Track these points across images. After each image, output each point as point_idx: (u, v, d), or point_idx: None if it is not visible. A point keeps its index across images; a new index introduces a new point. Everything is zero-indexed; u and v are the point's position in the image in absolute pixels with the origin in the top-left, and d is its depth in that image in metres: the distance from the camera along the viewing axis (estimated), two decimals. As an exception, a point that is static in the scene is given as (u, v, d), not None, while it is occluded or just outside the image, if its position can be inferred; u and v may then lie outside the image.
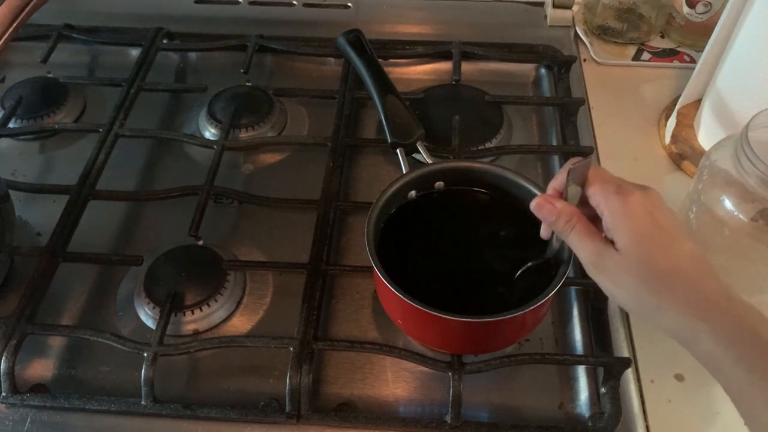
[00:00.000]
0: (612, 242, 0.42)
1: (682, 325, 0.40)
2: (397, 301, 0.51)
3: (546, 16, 0.89)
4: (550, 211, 0.45)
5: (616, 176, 0.45)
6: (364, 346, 0.57)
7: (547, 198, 0.46)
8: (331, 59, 0.84)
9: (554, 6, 0.88)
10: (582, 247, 0.43)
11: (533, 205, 0.46)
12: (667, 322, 0.41)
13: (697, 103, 0.74)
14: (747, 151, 0.49)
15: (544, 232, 0.50)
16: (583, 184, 0.45)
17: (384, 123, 0.68)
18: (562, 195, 0.46)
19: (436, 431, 0.54)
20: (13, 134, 0.78)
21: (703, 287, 0.40)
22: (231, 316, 0.63)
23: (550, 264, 0.52)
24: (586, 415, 0.56)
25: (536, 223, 0.51)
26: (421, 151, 0.64)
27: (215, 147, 0.72)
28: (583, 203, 0.45)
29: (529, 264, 0.53)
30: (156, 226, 0.70)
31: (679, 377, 0.57)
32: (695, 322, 0.39)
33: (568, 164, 0.44)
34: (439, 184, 0.60)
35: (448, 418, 0.54)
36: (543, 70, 0.84)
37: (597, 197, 0.43)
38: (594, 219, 0.45)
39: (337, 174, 0.70)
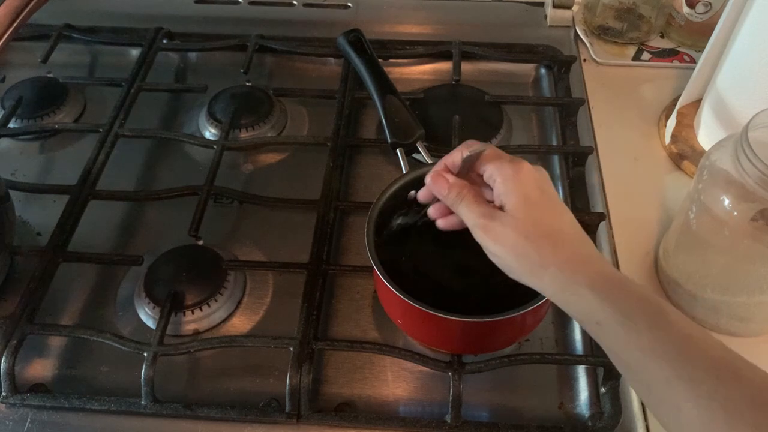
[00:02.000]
0: (500, 209, 0.45)
1: (563, 282, 0.43)
2: (397, 301, 0.51)
3: (546, 16, 0.89)
4: (443, 185, 0.48)
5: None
6: (364, 346, 0.57)
7: (440, 173, 0.48)
8: (331, 59, 0.84)
9: (554, 6, 0.88)
10: (470, 212, 0.46)
11: (428, 179, 0.49)
12: (549, 280, 0.43)
13: (697, 103, 0.74)
14: (747, 151, 0.49)
15: (422, 196, 0.53)
16: (474, 163, 0.48)
17: (384, 123, 0.68)
18: (455, 172, 0.49)
19: (436, 431, 0.54)
20: (13, 134, 0.78)
21: (581, 249, 0.44)
22: (231, 316, 0.63)
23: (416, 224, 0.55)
24: (586, 415, 0.56)
25: None
26: (421, 151, 0.64)
27: (215, 147, 0.72)
28: (472, 181, 0.49)
29: (399, 221, 0.56)
30: (156, 226, 0.70)
31: (679, 377, 0.57)
32: (576, 277, 0.42)
33: (464, 146, 0.48)
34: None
35: (448, 418, 0.54)
36: (543, 70, 0.84)
37: (491, 168, 0.46)
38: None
39: (337, 174, 0.70)
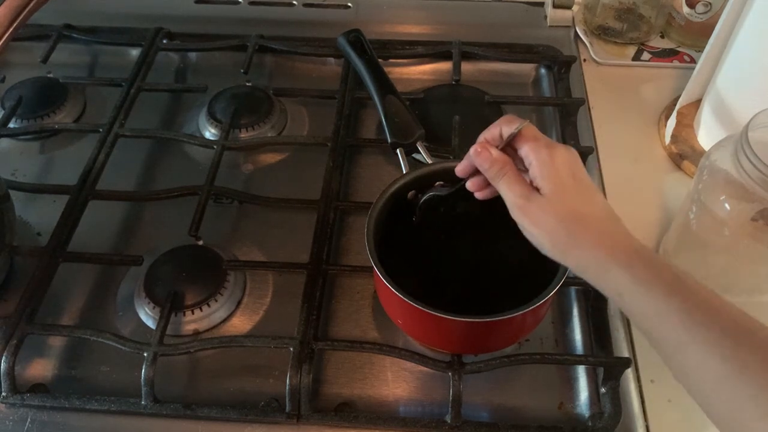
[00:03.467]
0: (537, 190, 0.47)
1: (591, 259, 0.45)
2: (397, 301, 0.51)
3: (546, 16, 0.89)
4: (486, 158, 0.49)
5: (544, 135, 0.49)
6: (364, 346, 0.57)
7: (485, 145, 0.49)
8: (331, 59, 0.85)
9: (554, 6, 0.88)
10: (510, 190, 0.47)
11: (473, 150, 0.50)
12: (578, 258, 0.45)
13: (697, 103, 0.74)
14: (747, 151, 0.49)
15: (460, 170, 0.53)
16: (512, 139, 0.49)
17: (384, 123, 0.68)
18: (497, 146, 0.50)
19: (436, 431, 0.54)
20: (13, 134, 0.78)
21: (610, 230, 0.46)
22: (231, 316, 0.63)
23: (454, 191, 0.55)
24: (586, 415, 0.56)
25: None
26: (421, 151, 0.64)
27: (215, 147, 0.72)
28: (507, 155, 0.50)
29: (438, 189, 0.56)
30: (156, 226, 0.70)
31: (679, 377, 0.57)
32: (601, 254, 0.44)
33: (503, 120, 0.49)
34: (439, 184, 0.60)
35: (448, 418, 0.54)
36: (543, 70, 0.84)
37: (527, 149, 0.48)
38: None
39: (337, 174, 0.70)
